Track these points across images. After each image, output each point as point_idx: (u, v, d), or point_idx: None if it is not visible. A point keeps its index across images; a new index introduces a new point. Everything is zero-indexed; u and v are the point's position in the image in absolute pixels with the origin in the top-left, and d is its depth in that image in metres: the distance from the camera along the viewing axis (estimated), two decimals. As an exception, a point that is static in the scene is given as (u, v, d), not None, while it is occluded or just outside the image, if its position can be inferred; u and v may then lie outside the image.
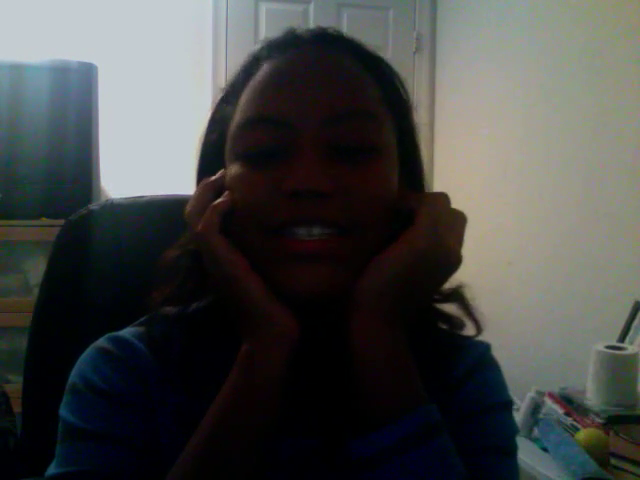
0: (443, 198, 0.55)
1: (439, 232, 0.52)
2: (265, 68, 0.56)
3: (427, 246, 0.52)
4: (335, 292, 0.52)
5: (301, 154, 0.51)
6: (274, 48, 0.57)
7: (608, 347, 1.46)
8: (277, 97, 0.54)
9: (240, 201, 0.53)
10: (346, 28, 2.89)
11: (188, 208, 0.56)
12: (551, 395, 1.50)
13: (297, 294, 0.51)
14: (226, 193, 0.54)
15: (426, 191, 0.61)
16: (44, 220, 2.32)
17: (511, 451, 0.60)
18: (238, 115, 0.56)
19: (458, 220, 0.55)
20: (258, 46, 0.59)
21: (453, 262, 0.54)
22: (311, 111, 0.52)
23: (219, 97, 0.61)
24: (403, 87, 0.60)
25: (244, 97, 0.56)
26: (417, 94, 2.97)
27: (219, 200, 0.54)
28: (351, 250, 0.52)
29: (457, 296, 0.60)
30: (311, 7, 3.01)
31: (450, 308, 0.61)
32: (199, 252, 0.56)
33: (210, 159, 0.60)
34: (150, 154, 2.83)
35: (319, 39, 0.57)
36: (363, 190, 0.52)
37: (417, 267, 0.52)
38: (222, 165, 0.58)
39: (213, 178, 0.57)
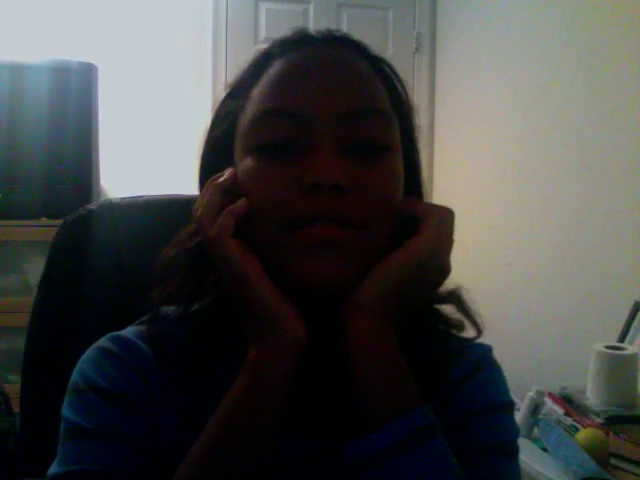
0: (450, 214, 0.56)
1: (440, 245, 0.55)
2: (280, 63, 0.56)
3: (430, 256, 0.54)
4: (346, 285, 0.52)
5: (319, 148, 0.52)
6: (287, 45, 0.58)
7: (608, 347, 1.46)
8: (294, 91, 0.54)
9: (255, 197, 0.53)
10: (346, 28, 2.89)
11: (199, 212, 0.55)
12: (551, 395, 1.50)
13: (310, 285, 0.51)
14: (242, 199, 0.53)
15: (423, 191, 0.62)
16: (44, 220, 2.32)
17: (511, 452, 0.60)
18: (250, 109, 0.56)
19: (451, 239, 0.57)
20: (269, 43, 0.59)
21: (445, 274, 0.57)
22: (328, 106, 0.53)
23: (226, 92, 0.61)
24: (404, 89, 0.61)
25: (257, 91, 0.56)
26: (417, 94, 2.97)
27: (235, 205, 0.53)
28: (362, 246, 0.52)
29: (455, 298, 0.61)
30: (311, 7, 3.01)
31: (451, 311, 0.62)
32: (199, 250, 0.56)
33: (215, 155, 0.59)
34: (150, 154, 2.83)
35: (329, 39, 0.58)
36: (376, 188, 0.53)
37: (417, 275, 0.54)
38: (228, 161, 0.57)
39: (222, 179, 0.55)
